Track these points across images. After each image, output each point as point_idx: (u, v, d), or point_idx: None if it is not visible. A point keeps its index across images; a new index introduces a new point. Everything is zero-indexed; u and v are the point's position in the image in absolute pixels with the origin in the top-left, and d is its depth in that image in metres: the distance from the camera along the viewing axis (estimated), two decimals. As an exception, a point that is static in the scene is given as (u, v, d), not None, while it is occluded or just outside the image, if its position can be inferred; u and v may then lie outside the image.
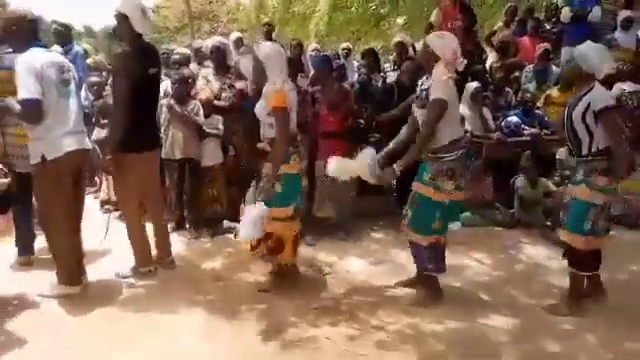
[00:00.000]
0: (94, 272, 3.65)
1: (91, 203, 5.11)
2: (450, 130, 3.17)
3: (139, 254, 3.74)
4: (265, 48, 3.42)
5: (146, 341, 2.91)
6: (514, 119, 5.39)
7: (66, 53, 5.53)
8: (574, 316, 3.19)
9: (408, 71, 4.91)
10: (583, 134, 3.11)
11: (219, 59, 4.81)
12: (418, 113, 3.30)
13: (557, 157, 5.20)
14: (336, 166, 3.43)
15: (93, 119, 5.22)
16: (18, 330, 3.00)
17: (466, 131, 5.13)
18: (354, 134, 4.68)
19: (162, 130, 4.72)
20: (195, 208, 4.75)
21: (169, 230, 4.74)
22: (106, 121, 5.09)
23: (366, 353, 2.82)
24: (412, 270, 3.60)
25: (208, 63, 5.10)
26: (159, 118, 4.42)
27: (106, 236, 3.87)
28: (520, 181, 4.98)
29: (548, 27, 7.50)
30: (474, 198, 5.03)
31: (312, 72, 5.69)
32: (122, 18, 3.42)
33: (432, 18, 6.38)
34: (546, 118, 5.55)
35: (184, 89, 4.58)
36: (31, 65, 2.99)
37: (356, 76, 6.10)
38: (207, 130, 4.66)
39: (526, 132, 5.37)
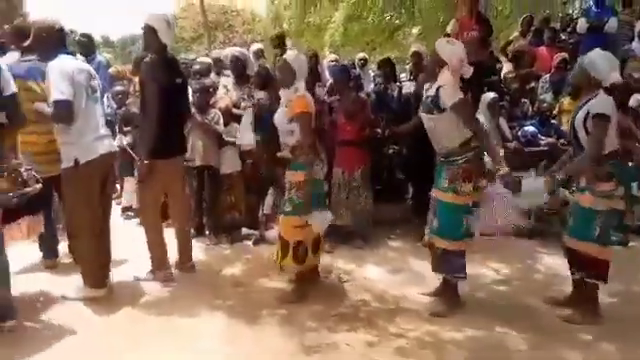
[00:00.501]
0: (117, 275, 3.73)
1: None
2: (460, 132, 3.20)
3: (156, 258, 3.83)
4: (293, 57, 3.54)
5: (168, 343, 2.98)
6: (530, 129, 5.41)
7: (89, 63, 5.66)
8: (591, 325, 3.18)
9: (424, 82, 4.94)
10: (584, 140, 3.15)
11: (239, 69, 4.90)
12: (425, 119, 3.34)
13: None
14: None
15: (116, 127, 5.34)
16: (46, 328, 3.09)
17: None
18: (371, 143, 4.74)
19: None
20: (214, 215, 4.83)
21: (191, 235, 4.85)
22: (129, 128, 5.22)
23: None
24: (430, 278, 3.62)
25: (227, 72, 5.20)
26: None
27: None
28: (537, 191, 4.98)
29: (564, 37, 7.51)
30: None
31: (329, 82, 5.77)
32: (150, 30, 3.58)
33: (449, 29, 6.41)
34: (562, 127, 5.55)
35: (205, 98, 4.69)
36: (64, 69, 3.11)
37: (372, 86, 6.16)
38: (226, 138, 4.75)
39: (542, 142, 5.38)
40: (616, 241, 4.62)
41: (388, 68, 5.71)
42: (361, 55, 8.06)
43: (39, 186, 3.25)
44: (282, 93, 3.53)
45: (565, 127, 5.41)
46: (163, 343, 2.98)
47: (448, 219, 3.29)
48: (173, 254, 4.00)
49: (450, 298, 3.41)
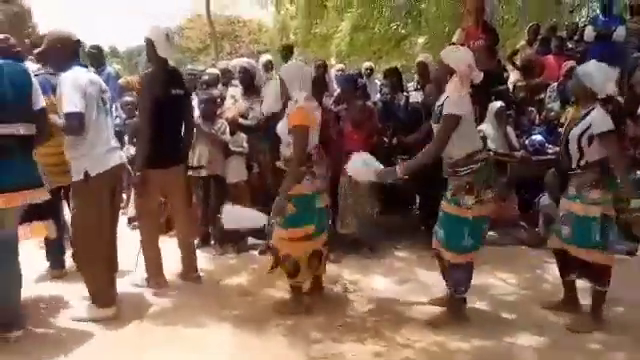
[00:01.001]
0: (124, 284, 3.74)
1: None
2: (465, 144, 3.16)
3: (151, 266, 3.87)
4: (286, 67, 3.54)
5: (175, 353, 2.98)
6: (538, 137, 5.39)
7: (99, 74, 5.72)
8: (600, 333, 3.16)
9: (432, 93, 4.94)
10: (574, 151, 3.19)
11: (247, 80, 4.92)
12: (434, 128, 3.33)
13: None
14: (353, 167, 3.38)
15: (125, 137, 5.37)
16: (52, 339, 3.10)
17: (489, 149, 5.16)
18: (378, 152, 4.73)
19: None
20: (220, 224, 4.82)
21: (195, 246, 4.85)
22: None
23: (393, 370, 2.83)
24: (437, 289, 3.60)
25: (235, 82, 5.23)
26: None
27: (137, 260, 3.95)
28: (545, 200, 4.95)
29: (571, 46, 7.50)
30: (499, 217, 5.01)
31: (336, 91, 5.79)
32: (149, 43, 3.66)
33: (455, 38, 6.43)
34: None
35: (211, 108, 4.72)
36: (76, 81, 3.12)
37: (378, 95, 6.17)
38: (232, 148, 4.77)
39: (550, 151, 5.36)
40: (624, 250, 4.60)
41: (395, 77, 5.71)
42: (367, 64, 8.10)
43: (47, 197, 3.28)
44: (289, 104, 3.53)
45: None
46: (170, 353, 2.98)
47: (449, 231, 3.26)
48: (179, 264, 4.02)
49: (454, 310, 3.36)
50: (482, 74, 3.26)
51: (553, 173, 4.98)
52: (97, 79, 3.37)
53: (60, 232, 3.94)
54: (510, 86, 6.43)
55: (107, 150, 3.28)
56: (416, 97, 5.43)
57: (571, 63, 6.42)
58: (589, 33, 6.87)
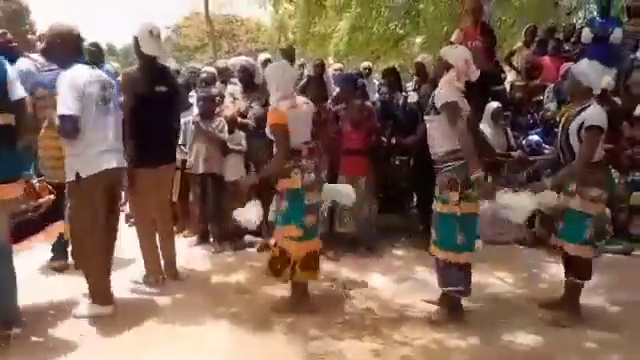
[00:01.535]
0: (122, 281, 3.74)
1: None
2: (446, 141, 3.18)
3: (149, 264, 3.88)
4: (268, 67, 3.58)
5: (172, 351, 2.98)
6: (535, 138, 5.41)
7: (97, 71, 5.72)
8: (596, 332, 3.19)
9: (427, 94, 4.95)
10: (577, 148, 3.23)
11: (247, 78, 4.92)
12: (426, 121, 3.35)
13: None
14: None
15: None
16: (51, 337, 3.10)
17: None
18: (377, 152, 4.75)
19: (188, 145, 4.87)
20: (218, 222, 4.83)
21: (193, 243, 4.87)
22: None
23: (391, 367, 2.83)
24: (435, 287, 3.60)
25: (234, 81, 5.23)
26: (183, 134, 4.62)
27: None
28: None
29: (568, 48, 7.53)
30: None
31: (334, 90, 5.79)
32: (134, 40, 3.67)
33: (453, 38, 6.44)
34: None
35: (209, 107, 4.73)
36: (73, 82, 3.03)
37: (377, 95, 6.17)
38: (230, 146, 4.78)
39: (547, 151, 5.37)
40: (620, 250, 4.63)
41: (393, 77, 5.72)
42: (365, 64, 8.10)
43: (52, 197, 3.26)
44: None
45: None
46: (168, 351, 2.98)
47: (440, 229, 3.29)
48: (182, 261, 4.09)
49: (451, 308, 3.37)
50: (479, 72, 3.30)
51: (549, 173, 5.00)
52: (99, 77, 3.23)
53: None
54: (507, 86, 6.47)
55: (102, 152, 3.15)
56: (414, 97, 5.45)
57: (569, 65, 6.45)
58: (586, 35, 6.88)
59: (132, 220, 5.44)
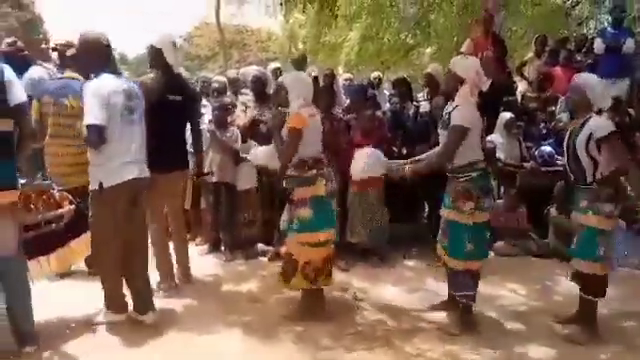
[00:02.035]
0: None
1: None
2: (468, 153, 3.21)
3: (162, 270, 3.92)
4: (287, 76, 3.62)
5: (184, 358, 3.00)
6: (547, 149, 5.40)
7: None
8: (610, 346, 3.15)
9: (440, 106, 4.95)
10: (587, 162, 3.19)
11: (259, 88, 4.95)
12: (441, 135, 3.36)
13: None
14: None
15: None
16: (64, 351, 3.10)
17: (498, 159, 5.17)
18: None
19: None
20: (230, 230, 4.85)
21: (205, 252, 4.90)
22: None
23: (403, 379, 2.82)
24: (446, 298, 3.59)
25: (246, 91, 5.27)
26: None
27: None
28: (554, 211, 4.95)
29: (579, 58, 7.50)
30: (508, 227, 5.02)
31: (345, 100, 5.81)
32: (157, 51, 3.72)
33: (463, 48, 6.47)
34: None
35: (224, 116, 4.77)
36: (98, 92, 3.01)
37: (387, 105, 6.18)
38: (243, 155, 4.81)
39: (559, 162, 5.35)
40: (636, 264, 4.58)
41: (404, 87, 5.74)
42: (376, 74, 8.13)
43: (73, 207, 3.28)
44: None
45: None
46: (179, 359, 2.99)
47: (451, 237, 3.31)
48: (193, 269, 4.12)
49: (464, 316, 3.37)
50: (489, 82, 3.31)
51: (562, 185, 4.98)
52: (124, 87, 3.15)
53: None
54: (519, 97, 6.45)
55: (125, 162, 3.12)
56: (425, 107, 5.44)
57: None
58: (599, 45, 6.85)
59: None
